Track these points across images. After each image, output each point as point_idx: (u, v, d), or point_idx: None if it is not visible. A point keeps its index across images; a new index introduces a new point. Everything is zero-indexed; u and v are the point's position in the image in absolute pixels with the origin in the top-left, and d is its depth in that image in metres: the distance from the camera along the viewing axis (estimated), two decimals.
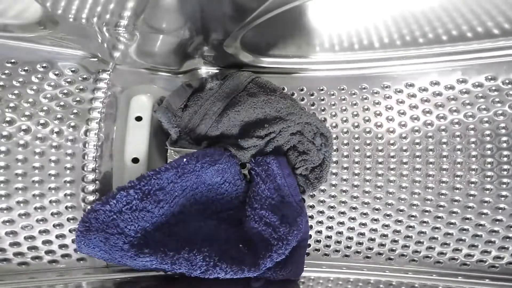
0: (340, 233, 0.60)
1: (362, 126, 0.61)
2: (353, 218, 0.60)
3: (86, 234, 0.46)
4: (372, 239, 0.60)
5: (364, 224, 0.60)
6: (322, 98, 0.63)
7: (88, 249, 0.46)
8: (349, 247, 0.60)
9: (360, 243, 0.60)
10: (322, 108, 0.62)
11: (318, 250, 0.60)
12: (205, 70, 0.63)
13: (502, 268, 0.56)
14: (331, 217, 0.60)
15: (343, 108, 0.62)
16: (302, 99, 0.63)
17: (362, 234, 0.60)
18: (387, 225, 0.60)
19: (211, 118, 0.56)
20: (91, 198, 0.56)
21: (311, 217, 0.60)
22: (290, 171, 0.55)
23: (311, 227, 0.60)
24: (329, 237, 0.60)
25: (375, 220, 0.60)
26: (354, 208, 0.60)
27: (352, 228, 0.60)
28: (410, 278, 0.57)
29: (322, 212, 0.61)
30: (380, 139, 0.61)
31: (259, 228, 0.51)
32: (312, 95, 0.63)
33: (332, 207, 0.61)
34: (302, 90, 0.63)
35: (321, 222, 0.60)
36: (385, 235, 0.60)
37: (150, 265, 0.47)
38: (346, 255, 0.60)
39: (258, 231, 0.51)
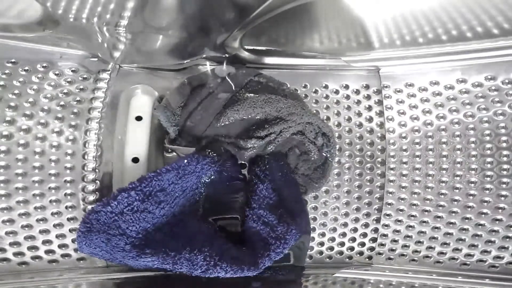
0: (343, 234, 0.60)
1: (364, 125, 0.61)
2: (356, 219, 0.60)
3: (87, 234, 0.46)
4: (374, 239, 0.60)
5: (366, 225, 0.60)
6: (325, 95, 0.62)
7: (89, 249, 0.46)
8: (351, 249, 0.60)
9: (362, 244, 0.60)
10: (325, 106, 0.62)
11: (321, 253, 0.60)
12: (206, 69, 0.63)
13: (502, 268, 0.56)
14: (334, 219, 0.60)
15: (345, 106, 0.62)
16: (306, 96, 0.62)
17: (364, 235, 0.60)
18: (387, 225, 0.60)
19: (210, 117, 0.56)
20: (91, 198, 0.55)
21: (314, 219, 0.60)
22: (289, 171, 0.55)
23: (314, 229, 0.59)
24: (332, 239, 0.60)
25: (376, 220, 0.60)
26: (356, 209, 0.60)
27: (355, 229, 0.60)
28: (410, 278, 0.57)
29: (325, 213, 0.60)
30: (381, 138, 0.61)
31: (258, 227, 0.51)
32: (315, 92, 0.62)
33: (334, 208, 0.60)
34: (305, 87, 0.63)
35: (324, 224, 0.60)
36: (385, 235, 0.60)
37: (152, 265, 0.47)
38: (349, 257, 0.60)
39: (256, 230, 0.51)
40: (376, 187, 0.60)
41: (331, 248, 0.60)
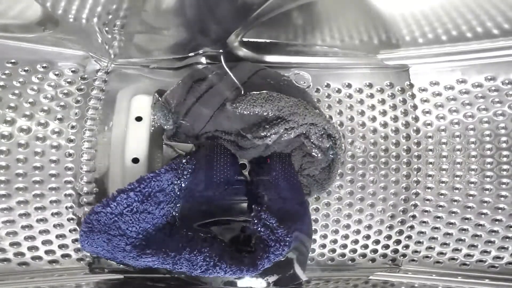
0: (346, 236, 0.60)
1: (368, 125, 0.61)
2: (358, 221, 0.60)
3: (89, 234, 0.46)
4: (377, 242, 0.60)
5: (369, 227, 0.60)
6: (327, 94, 0.62)
7: (91, 248, 0.47)
8: (354, 251, 0.60)
9: (366, 246, 0.60)
10: (327, 105, 0.61)
11: (323, 255, 0.60)
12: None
13: (502, 268, 0.56)
14: (336, 220, 0.60)
15: (348, 106, 0.61)
16: None
17: (367, 237, 0.60)
18: (390, 227, 0.60)
19: (210, 112, 0.53)
20: (91, 198, 0.56)
21: (316, 220, 0.59)
22: (292, 172, 0.54)
23: (315, 231, 0.59)
24: (334, 241, 0.60)
25: (380, 221, 0.60)
26: (359, 210, 0.60)
27: (358, 231, 0.60)
28: (411, 278, 0.57)
29: (327, 215, 0.60)
30: (384, 138, 0.61)
31: (258, 229, 0.51)
32: (317, 91, 0.62)
33: (337, 210, 0.60)
34: (308, 87, 0.62)
35: (326, 226, 0.60)
36: (388, 236, 0.60)
37: (152, 265, 0.47)
38: (352, 259, 0.60)
39: (256, 232, 0.51)
40: (380, 188, 0.60)
41: (333, 250, 0.60)
